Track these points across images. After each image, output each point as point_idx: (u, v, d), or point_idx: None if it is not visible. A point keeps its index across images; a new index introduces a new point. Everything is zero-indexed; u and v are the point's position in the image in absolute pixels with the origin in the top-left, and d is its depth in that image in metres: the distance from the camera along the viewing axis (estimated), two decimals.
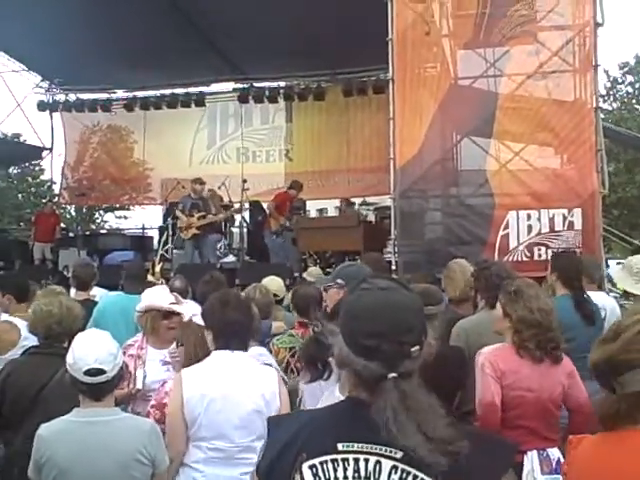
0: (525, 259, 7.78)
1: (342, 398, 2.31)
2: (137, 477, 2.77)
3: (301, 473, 1.54)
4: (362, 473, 1.51)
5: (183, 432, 3.09)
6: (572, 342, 4.13)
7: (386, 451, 1.51)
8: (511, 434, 3.25)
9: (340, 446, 1.54)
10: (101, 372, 2.78)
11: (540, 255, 7.75)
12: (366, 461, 1.52)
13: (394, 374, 1.51)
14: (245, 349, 3.25)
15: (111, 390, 2.87)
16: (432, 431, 1.45)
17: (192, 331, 3.59)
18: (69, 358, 2.84)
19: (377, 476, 1.51)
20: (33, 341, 3.92)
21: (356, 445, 1.53)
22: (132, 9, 11.38)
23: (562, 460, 3.18)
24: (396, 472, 1.49)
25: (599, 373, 1.76)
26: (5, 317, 4.72)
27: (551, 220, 7.80)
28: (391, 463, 1.50)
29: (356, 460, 1.52)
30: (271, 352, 4.26)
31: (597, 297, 5.15)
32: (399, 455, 1.49)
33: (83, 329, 3.53)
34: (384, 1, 8.34)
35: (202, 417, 3.06)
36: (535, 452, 3.27)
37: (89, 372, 2.77)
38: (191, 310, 4.04)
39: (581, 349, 4.22)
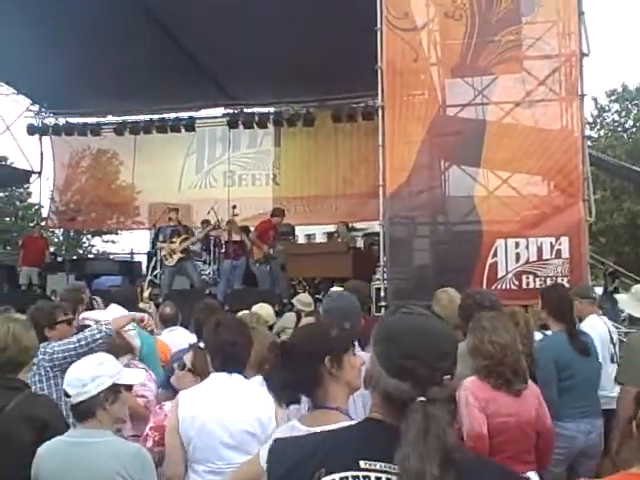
0: (514, 287, 7.77)
1: (302, 429, 2.31)
2: None
3: None
4: None
5: (180, 453, 3.12)
6: (573, 379, 4.21)
7: None
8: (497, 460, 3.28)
9: (362, 463, 1.53)
10: (66, 395, 2.90)
11: (528, 284, 7.75)
12: None
13: (423, 398, 1.52)
14: (242, 370, 3.26)
15: (88, 414, 2.87)
16: (451, 456, 1.45)
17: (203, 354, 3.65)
18: None
19: None
20: None
21: (379, 464, 1.53)
22: (121, 33, 11.45)
23: None
24: None
25: None
26: None
27: (539, 248, 7.80)
28: None
29: (378, 479, 1.52)
30: None
31: (591, 321, 5.31)
32: None
33: None
34: (375, 30, 8.41)
35: (195, 439, 3.07)
36: None
37: (65, 393, 2.91)
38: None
39: (584, 385, 4.35)
